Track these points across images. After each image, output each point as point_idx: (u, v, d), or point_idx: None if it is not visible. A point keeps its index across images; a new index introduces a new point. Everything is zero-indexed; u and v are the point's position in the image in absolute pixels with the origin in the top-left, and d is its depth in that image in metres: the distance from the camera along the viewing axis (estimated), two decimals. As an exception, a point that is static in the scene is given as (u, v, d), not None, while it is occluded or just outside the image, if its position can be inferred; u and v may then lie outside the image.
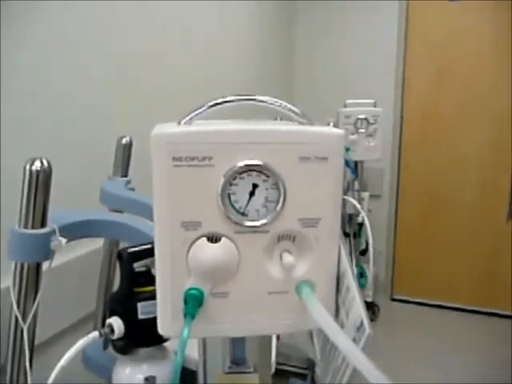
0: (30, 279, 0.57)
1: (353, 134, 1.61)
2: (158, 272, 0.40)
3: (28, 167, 0.55)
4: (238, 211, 0.38)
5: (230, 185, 0.38)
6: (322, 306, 0.37)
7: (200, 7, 1.65)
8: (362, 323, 0.35)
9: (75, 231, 0.63)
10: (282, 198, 0.38)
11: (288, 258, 0.39)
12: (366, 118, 1.62)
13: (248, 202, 0.38)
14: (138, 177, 0.98)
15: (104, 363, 0.95)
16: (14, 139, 0.89)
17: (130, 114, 1.24)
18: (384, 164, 2.76)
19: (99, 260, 1.05)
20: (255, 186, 0.38)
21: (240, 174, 0.38)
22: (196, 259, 0.38)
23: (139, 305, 0.61)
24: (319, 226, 0.40)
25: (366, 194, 2.01)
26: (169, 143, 0.36)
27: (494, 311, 2.74)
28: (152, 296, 0.61)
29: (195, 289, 0.39)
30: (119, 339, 0.62)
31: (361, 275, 2.49)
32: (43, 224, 0.58)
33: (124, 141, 0.94)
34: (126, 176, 0.96)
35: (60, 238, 0.59)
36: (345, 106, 1.82)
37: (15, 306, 0.57)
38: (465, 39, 2.63)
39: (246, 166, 0.37)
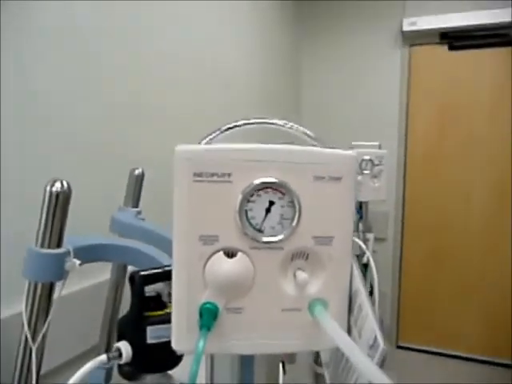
0: (43, 299, 0.58)
1: (358, 175, 1.64)
2: (175, 285, 0.41)
3: (48, 188, 0.57)
4: (254, 227, 0.40)
5: (248, 201, 0.39)
6: (336, 323, 0.38)
7: (210, 35, 1.75)
8: (375, 339, 0.35)
9: (89, 254, 0.64)
10: (297, 216, 0.40)
11: (302, 276, 0.40)
12: (370, 160, 1.65)
13: (264, 218, 0.40)
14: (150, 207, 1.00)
15: (105, 397, 0.93)
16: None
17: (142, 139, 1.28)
18: (388, 207, 2.78)
19: (104, 293, 1.05)
20: (271, 203, 0.40)
21: (257, 191, 0.39)
22: (213, 273, 0.39)
23: (148, 329, 0.60)
24: (333, 244, 0.41)
25: (370, 236, 2.01)
26: (190, 159, 0.38)
27: (501, 361, 2.66)
28: (162, 320, 0.62)
29: (210, 303, 0.39)
30: (126, 364, 0.61)
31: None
32: (59, 244, 0.59)
33: (136, 172, 0.97)
34: (136, 207, 0.98)
35: (74, 260, 0.60)
36: (350, 147, 1.87)
37: (26, 326, 0.58)
38: (465, 85, 2.72)
39: (263, 183, 0.39)
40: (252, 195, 0.39)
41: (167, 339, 0.62)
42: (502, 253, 2.69)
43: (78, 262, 0.60)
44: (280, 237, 0.40)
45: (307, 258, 0.41)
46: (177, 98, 1.55)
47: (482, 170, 2.70)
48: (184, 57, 1.58)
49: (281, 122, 0.42)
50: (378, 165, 1.67)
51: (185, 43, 1.59)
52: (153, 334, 0.61)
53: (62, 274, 0.59)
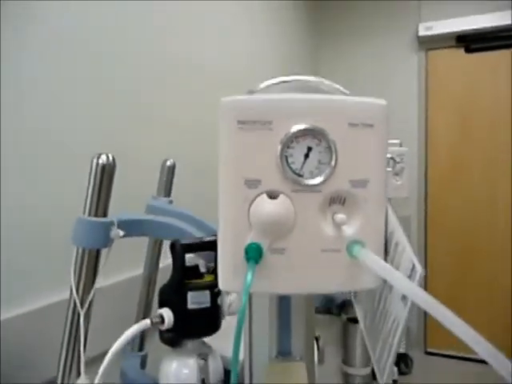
0: (90, 265, 0.62)
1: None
2: (221, 229, 0.43)
3: (95, 161, 0.61)
4: (294, 172, 0.43)
5: (287, 147, 0.42)
6: (375, 255, 0.40)
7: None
8: (413, 266, 0.38)
9: (131, 227, 0.68)
10: (333, 160, 0.43)
11: (340, 215, 0.43)
12: (392, 158, 1.67)
13: (303, 163, 0.43)
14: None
15: (141, 381, 0.96)
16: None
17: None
18: (410, 211, 2.77)
19: (138, 288, 1.08)
20: (309, 149, 0.43)
21: (296, 137, 0.42)
22: (257, 214, 0.42)
23: (189, 294, 0.63)
24: (367, 187, 0.44)
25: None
26: (235, 108, 0.42)
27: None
28: (201, 287, 0.65)
29: (255, 243, 0.42)
30: (168, 330, 0.64)
31: (392, 323, 2.42)
32: (105, 214, 0.63)
33: (168, 163, 1.01)
34: (168, 196, 1.01)
35: (118, 230, 0.63)
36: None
37: (74, 291, 0.61)
38: (483, 86, 2.72)
39: (301, 130, 0.42)
40: (291, 142, 0.42)
41: (207, 305, 0.65)
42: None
43: (121, 232, 0.63)
44: (319, 179, 0.42)
45: (344, 202, 0.44)
46: (190, 101, 1.59)
47: (506, 173, 2.68)
48: (195, 62, 1.63)
49: (316, 79, 0.46)
50: (399, 162, 1.68)
51: (197, 46, 1.65)
52: (193, 300, 0.64)
53: (107, 242, 0.62)
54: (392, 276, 0.37)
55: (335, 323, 1.79)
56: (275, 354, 0.61)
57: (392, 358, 0.45)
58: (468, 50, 2.72)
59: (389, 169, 1.63)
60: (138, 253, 1.07)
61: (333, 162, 0.43)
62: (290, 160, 0.43)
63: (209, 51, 1.72)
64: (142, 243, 1.04)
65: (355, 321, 1.71)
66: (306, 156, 0.43)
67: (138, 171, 1.24)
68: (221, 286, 0.44)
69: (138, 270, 1.11)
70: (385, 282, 0.47)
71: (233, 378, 0.41)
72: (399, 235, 0.42)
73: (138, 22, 1.33)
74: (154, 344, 0.97)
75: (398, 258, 0.42)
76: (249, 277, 0.40)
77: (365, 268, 0.43)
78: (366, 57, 2.89)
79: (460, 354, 2.77)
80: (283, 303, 0.55)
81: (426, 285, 2.87)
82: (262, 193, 0.42)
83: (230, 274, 0.43)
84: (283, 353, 0.60)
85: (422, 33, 2.70)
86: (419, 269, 0.36)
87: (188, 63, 1.58)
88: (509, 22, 2.55)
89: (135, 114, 1.31)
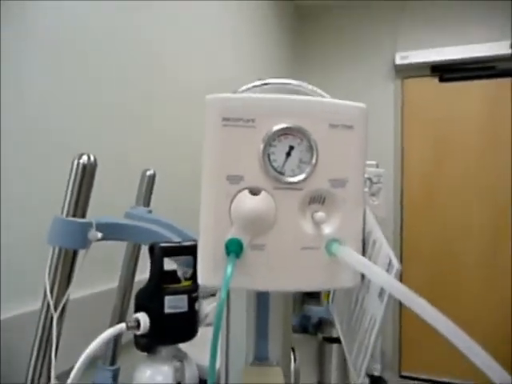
0: (66, 265, 0.61)
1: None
2: (202, 224, 0.44)
3: (76, 161, 0.61)
4: (275, 169, 0.44)
5: (270, 146, 0.43)
6: (353, 251, 0.41)
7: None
8: (390, 261, 0.39)
9: (110, 230, 0.67)
10: (314, 159, 0.44)
11: (319, 214, 0.44)
12: (369, 178, 1.71)
13: (285, 161, 0.44)
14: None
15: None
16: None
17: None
18: (387, 233, 2.81)
19: (112, 301, 1.06)
20: (291, 147, 0.44)
21: (278, 136, 0.44)
22: (238, 209, 0.43)
23: (166, 298, 0.63)
24: (346, 187, 0.45)
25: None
26: (220, 105, 0.43)
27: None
28: (179, 291, 0.65)
29: (236, 239, 0.43)
30: (143, 336, 0.63)
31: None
32: (83, 215, 0.62)
33: (148, 173, 1.01)
34: (148, 206, 1.01)
35: (96, 232, 0.63)
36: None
37: (48, 293, 0.60)
38: (456, 115, 2.82)
39: (284, 128, 0.43)
40: (274, 140, 0.44)
41: (184, 310, 0.65)
42: (501, 283, 2.70)
43: (100, 234, 0.63)
44: (300, 177, 0.44)
45: (323, 202, 0.45)
46: (174, 108, 1.61)
47: (480, 200, 2.76)
48: (183, 71, 1.66)
49: (296, 82, 0.47)
50: (376, 183, 1.72)
51: (184, 56, 1.67)
52: (170, 304, 0.63)
53: (85, 243, 0.62)
54: (370, 270, 0.38)
55: (311, 342, 1.78)
56: (252, 360, 0.60)
57: (368, 358, 0.45)
58: (442, 80, 2.83)
59: (366, 189, 1.66)
60: (113, 265, 1.06)
61: (313, 161, 0.44)
62: (272, 158, 0.44)
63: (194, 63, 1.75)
64: (119, 256, 1.03)
65: (331, 340, 1.70)
66: (288, 154, 0.44)
67: (117, 180, 1.23)
68: (200, 281, 0.44)
69: (114, 283, 1.09)
70: (363, 280, 0.48)
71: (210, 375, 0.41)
72: (377, 234, 0.43)
73: (127, 33, 1.35)
74: (127, 358, 0.96)
75: (376, 255, 0.43)
76: (229, 269, 0.40)
77: (343, 266, 0.44)
78: (343, 82, 2.97)
79: (434, 378, 2.78)
80: (261, 305, 0.55)
81: (400, 309, 2.89)
82: (244, 189, 0.43)
83: (210, 269, 0.43)
84: (260, 358, 0.60)
85: (398, 61, 2.81)
86: (396, 264, 0.37)
87: (175, 76, 1.60)
88: (480, 55, 2.68)
89: (122, 123, 1.31)
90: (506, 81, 2.71)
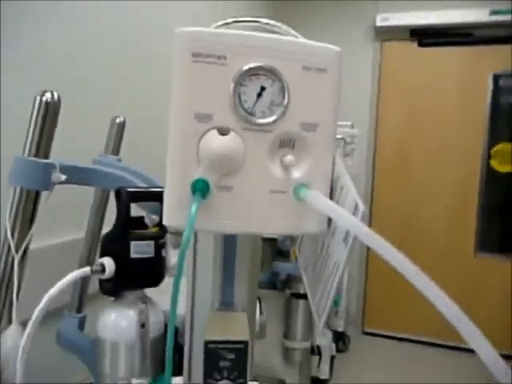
0: (28, 207, 0.59)
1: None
2: (169, 163, 0.43)
3: (38, 98, 0.58)
4: (246, 110, 0.42)
5: (241, 85, 0.42)
6: (321, 195, 0.41)
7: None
8: (356, 205, 0.39)
9: (74, 174, 0.65)
10: (286, 101, 0.43)
11: (288, 157, 0.43)
12: (343, 138, 1.71)
13: (255, 102, 0.43)
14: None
15: (80, 342, 0.93)
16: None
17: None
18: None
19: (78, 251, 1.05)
20: (263, 88, 0.43)
21: (250, 76, 0.42)
22: (206, 148, 0.42)
23: (132, 243, 0.62)
24: (317, 131, 0.44)
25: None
26: (189, 40, 0.41)
27: (464, 346, 2.78)
28: (145, 237, 0.64)
29: (203, 179, 0.42)
30: (108, 280, 0.63)
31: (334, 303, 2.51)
32: (47, 156, 0.60)
33: (117, 120, 0.98)
34: (117, 155, 0.98)
35: (60, 174, 0.61)
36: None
37: (9, 235, 0.58)
38: (432, 81, 2.83)
39: (255, 67, 0.42)
40: (245, 79, 0.42)
41: (151, 255, 0.64)
42: (467, 248, 2.81)
43: (63, 176, 0.61)
44: (270, 119, 0.43)
45: (293, 146, 0.45)
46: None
47: (452, 168, 2.82)
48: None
49: (268, 21, 0.46)
50: (350, 143, 1.73)
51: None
52: (136, 249, 0.62)
53: (48, 185, 0.59)
54: (337, 213, 0.38)
55: (279, 298, 1.83)
56: (217, 306, 0.61)
57: (331, 301, 0.46)
58: (420, 44, 2.82)
59: (339, 149, 1.68)
60: (81, 215, 1.04)
61: (285, 103, 0.43)
62: (242, 98, 0.42)
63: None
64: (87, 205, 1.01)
65: (298, 296, 1.75)
66: (259, 95, 0.43)
67: (85, 127, 1.19)
68: (165, 221, 0.44)
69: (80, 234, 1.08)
70: (329, 227, 0.49)
71: (171, 316, 0.41)
72: (345, 180, 0.43)
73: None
74: (94, 307, 0.96)
75: (343, 200, 0.43)
76: (193, 208, 0.40)
77: (311, 212, 0.44)
78: (323, 41, 2.91)
79: (396, 335, 2.92)
80: (228, 249, 0.55)
81: (367, 265, 3.00)
82: (212, 128, 0.42)
83: (176, 209, 0.43)
84: (226, 304, 0.61)
85: (378, 23, 2.77)
86: (362, 207, 0.38)
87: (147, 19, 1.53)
88: (459, 21, 2.66)
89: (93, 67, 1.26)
90: (483, 48, 2.72)
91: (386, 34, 2.86)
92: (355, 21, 2.89)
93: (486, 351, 0.28)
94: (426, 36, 2.78)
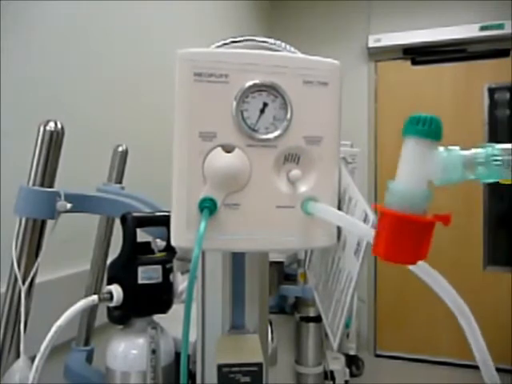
0: (34, 236, 0.58)
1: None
2: (175, 183, 0.42)
3: (42, 128, 0.58)
4: (249, 126, 0.43)
5: (243, 102, 0.42)
6: (329, 206, 0.40)
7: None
8: (366, 215, 0.38)
9: (80, 202, 0.65)
10: (288, 116, 0.43)
11: (294, 171, 0.43)
12: (344, 158, 1.72)
13: (258, 118, 0.43)
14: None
15: (88, 376, 0.91)
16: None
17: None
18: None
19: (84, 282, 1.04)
20: (265, 104, 0.43)
21: (252, 92, 0.42)
22: (211, 167, 0.41)
23: (140, 269, 0.61)
24: (321, 144, 0.44)
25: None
26: (191, 60, 0.41)
27: (476, 364, 2.71)
28: (153, 261, 0.63)
29: (210, 197, 0.42)
30: (116, 308, 0.62)
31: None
32: (51, 185, 0.60)
33: (120, 149, 0.98)
34: (120, 183, 0.99)
35: (65, 202, 0.61)
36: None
37: (16, 266, 0.58)
38: (427, 97, 2.86)
39: (257, 84, 0.42)
40: (247, 96, 0.42)
41: (158, 280, 0.63)
42: (470, 260, 2.78)
43: (68, 204, 0.61)
44: (274, 134, 0.43)
45: (298, 161, 0.44)
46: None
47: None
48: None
49: (272, 40, 0.46)
50: (351, 163, 1.73)
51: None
52: (144, 275, 0.62)
53: (53, 213, 0.59)
54: (348, 222, 0.37)
55: (288, 322, 1.79)
56: (228, 329, 0.60)
57: (345, 317, 0.45)
58: (414, 63, 2.86)
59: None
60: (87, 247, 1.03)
61: (288, 116, 0.43)
62: (245, 114, 0.42)
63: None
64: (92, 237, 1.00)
65: (308, 319, 1.72)
66: (262, 111, 0.43)
67: (89, 156, 1.20)
68: (173, 241, 0.43)
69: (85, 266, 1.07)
70: (338, 241, 0.48)
71: (184, 339, 0.40)
72: (352, 191, 0.43)
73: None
74: (102, 339, 0.94)
75: (352, 211, 0.43)
76: (202, 225, 0.39)
77: (320, 226, 0.43)
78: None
79: (408, 356, 2.85)
80: (236, 269, 0.54)
81: (376, 287, 2.95)
82: (216, 146, 0.42)
83: (183, 229, 0.42)
84: (237, 326, 0.60)
85: (371, 44, 2.82)
86: (372, 217, 0.37)
87: (149, 51, 1.56)
88: (450, 37, 2.71)
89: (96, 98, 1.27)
90: (476, 63, 2.76)
91: (380, 55, 2.90)
92: (348, 42, 2.94)
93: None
94: (419, 54, 2.83)
